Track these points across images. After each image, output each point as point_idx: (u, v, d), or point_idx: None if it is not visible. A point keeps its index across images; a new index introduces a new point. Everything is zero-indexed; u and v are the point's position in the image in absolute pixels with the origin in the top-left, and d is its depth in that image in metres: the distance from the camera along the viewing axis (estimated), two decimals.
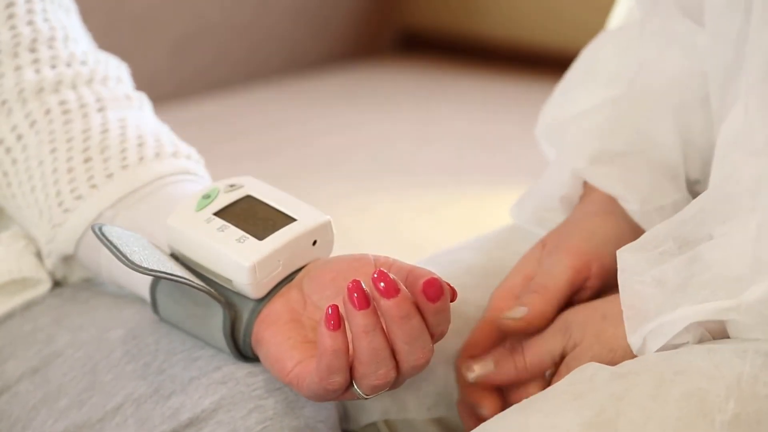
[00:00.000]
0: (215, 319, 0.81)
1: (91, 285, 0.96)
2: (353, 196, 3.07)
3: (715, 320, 0.75)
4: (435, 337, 0.74)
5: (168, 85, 3.78)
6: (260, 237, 0.80)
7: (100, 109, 0.94)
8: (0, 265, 0.92)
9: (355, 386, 0.74)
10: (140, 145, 0.92)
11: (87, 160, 0.91)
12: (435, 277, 0.72)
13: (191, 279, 0.79)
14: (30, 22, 0.94)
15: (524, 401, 0.75)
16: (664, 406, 0.70)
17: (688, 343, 0.76)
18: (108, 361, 0.85)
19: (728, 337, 0.76)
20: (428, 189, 3.16)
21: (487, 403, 0.83)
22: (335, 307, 0.72)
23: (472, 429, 0.86)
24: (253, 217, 0.81)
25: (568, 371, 0.80)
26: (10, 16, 0.93)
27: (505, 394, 0.86)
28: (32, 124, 0.93)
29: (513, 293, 0.86)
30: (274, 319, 0.78)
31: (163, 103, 3.02)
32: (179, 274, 0.79)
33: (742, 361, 0.73)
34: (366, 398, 0.75)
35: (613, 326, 0.80)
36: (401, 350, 0.73)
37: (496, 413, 0.81)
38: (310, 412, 0.80)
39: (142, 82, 1.04)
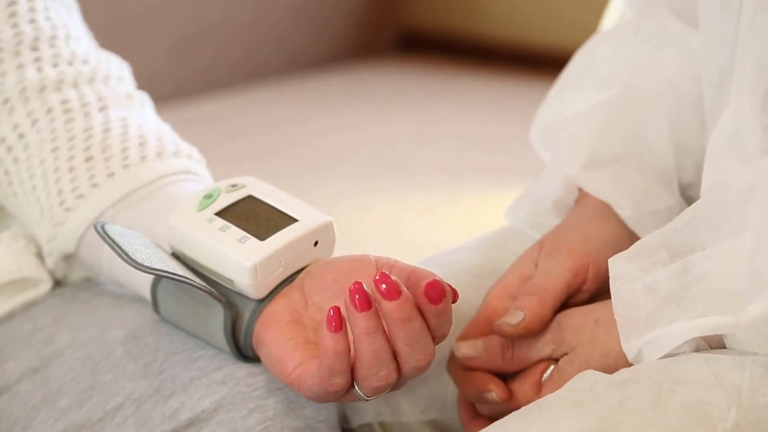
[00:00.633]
0: (216, 319, 0.81)
1: (92, 285, 0.96)
2: (353, 196, 3.07)
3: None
4: (436, 338, 0.74)
5: (168, 85, 3.78)
6: (262, 237, 0.79)
7: (102, 108, 0.94)
8: (0, 265, 0.92)
9: (357, 388, 0.74)
10: (142, 144, 0.92)
11: (88, 159, 0.91)
12: (437, 278, 0.72)
13: (192, 278, 0.79)
14: (32, 21, 0.94)
15: (523, 409, 0.75)
16: (664, 415, 0.70)
17: (685, 352, 0.76)
18: (108, 361, 0.85)
19: (725, 347, 0.76)
20: (428, 189, 3.16)
21: (494, 387, 0.83)
22: (337, 309, 0.72)
23: (471, 430, 0.86)
24: (254, 217, 0.81)
25: (561, 376, 0.80)
26: (12, 15, 0.93)
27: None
28: (34, 122, 0.93)
29: (508, 293, 0.86)
30: (276, 320, 0.78)
31: (163, 103, 3.02)
32: (181, 273, 0.79)
33: (741, 371, 0.73)
34: (367, 400, 0.75)
35: (606, 331, 0.79)
36: (403, 352, 0.73)
37: (504, 399, 0.81)
38: (310, 413, 0.80)
39: (142, 82, 1.04)
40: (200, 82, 3.97)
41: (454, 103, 4.03)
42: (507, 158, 3.41)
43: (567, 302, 0.85)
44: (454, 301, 0.74)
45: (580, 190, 0.92)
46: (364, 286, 0.71)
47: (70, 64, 0.95)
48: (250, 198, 0.83)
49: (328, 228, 0.82)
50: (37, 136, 0.93)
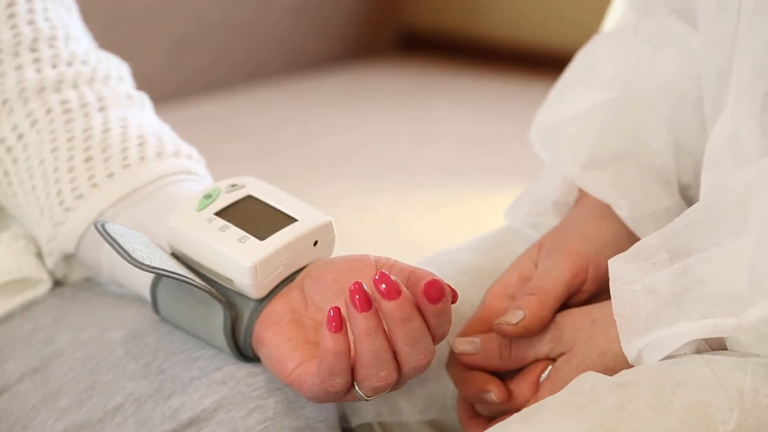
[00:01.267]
0: (216, 319, 0.81)
1: (92, 285, 0.96)
2: (353, 196, 3.07)
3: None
4: (436, 338, 0.74)
5: (168, 85, 3.78)
6: (261, 237, 0.79)
7: (102, 109, 0.94)
8: (0, 265, 0.92)
9: (357, 388, 0.74)
10: (141, 144, 0.92)
11: (88, 160, 0.91)
12: (436, 278, 0.72)
13: (192, 278, 0.79)
14: (31, 21, 0.94)
15: (524, 411, 0.75)
16: (666, 417, 0.70)
17: (685, 354, 0.76)
18: (108, 361, 0.85)
19: (726, 349, 0.76)
20: (428, 189, 3.16)
21: (493, 387, 0.83)
22: (337, 309, 0.72)
23: (470, 430, 0.86)
24: (254, 217, 0.81)
25: (559, 376, 0.80)
26: (11, 16, 0.93)
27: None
28: (33, 123, 0.93)
29: (507, 292, 0.86)
30: (275, 320, 0.78)
31: (163, 103, 3.01)
32: (181, 272, 0.79)
33: (743, 373, 0.73)
34: (367, 400, 0.75)
35: (603, 331, 0.79)
36: (403, 352, 0.73)
37: (503, 399, 0.81)
38: (310, 412, 0.80)
39: (142, 82, 1.04)
40: (200, 82, 3.97)
41: (454, 103, 4.03)
42: (507, 158, 3.41)
43: (566, 302, 0.85)
44: (453, 301, 0.74)
45: (580, 190, 0.92)
46: (365, 287, 0.71)
47: (69, 64, 0.95)
48: (249, 198, 0.83)
49: (327, 228, 0.82)
50: (37, 136, 0.93)
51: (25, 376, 0.88)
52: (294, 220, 0.81)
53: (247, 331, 0.79)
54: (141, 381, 0.83)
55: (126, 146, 0.92)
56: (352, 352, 0.73)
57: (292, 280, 0.81)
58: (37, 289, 0.94)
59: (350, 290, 0.71)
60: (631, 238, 0.86)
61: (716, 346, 0.76)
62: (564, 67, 1.03)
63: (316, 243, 0.81)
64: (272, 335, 0.77)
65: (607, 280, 0.79)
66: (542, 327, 0.82)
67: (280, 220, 0.81)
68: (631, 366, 0.77)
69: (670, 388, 0.72)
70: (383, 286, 0.71)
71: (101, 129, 0.93)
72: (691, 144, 0.93)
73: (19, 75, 0.93)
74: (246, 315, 0.79)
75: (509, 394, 0.82)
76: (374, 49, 4.60)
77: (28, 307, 0.93)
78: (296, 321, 0.78)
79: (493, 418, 0.84)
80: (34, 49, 0.94)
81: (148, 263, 0.77)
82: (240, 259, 0.78)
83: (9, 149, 0.93)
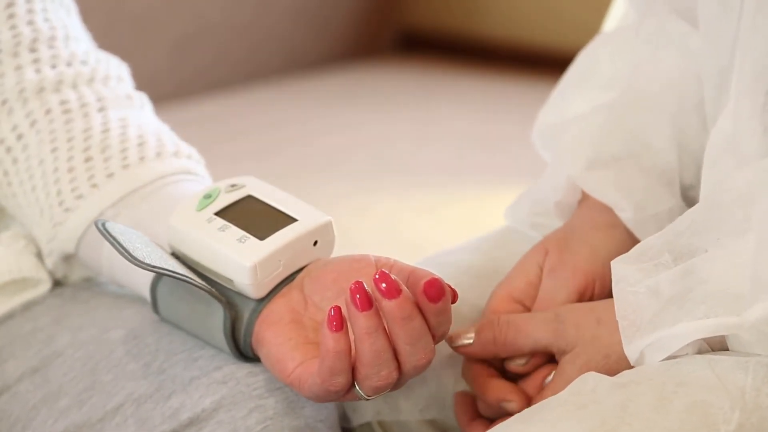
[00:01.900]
0: (216, 319, 0.81)
1: (92, 285, 0.96)
2: (353, 196, 3.07)
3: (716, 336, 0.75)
4: (436, 337, 0.74)
5: (168, 85, 3.78)
6: (261, 237, 0.79)
7: (101, 109, 0.94)
8: (0, 265, 0.92)
9: (357, 387, 0.74)
10: (141, 144, 0.92)
11: (88, 160, 0.91)
12: (436, 277, 0.72)
13: (193, 277, 0.79)
14: (30, 22, 0.94)
15: (525, 411, 0.75)
16: (667, 417, 0.70)
17: (687, 354, 0.76)
18: (108, 361, 0.85)
19: (727, 349, 0.76)
20: (428, 189, 3.16)
21: (514, 397, 0.82)
22: (338, 309, 0.72)
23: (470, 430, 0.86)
24: (254, 217, 0.81)
25: (562, 377, 0.80)
26: (11, 16, 0.93)
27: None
28: (33, 123, 0.93)
29: (513, 296, 0.86)
30: (275, 320, 0.78)
31: (163, 103, 3.02)
32: (181, 272, 0.79)
33: (744, 373, 0.72)
34: (368, 399, 0.75)
35: (608, 332, 0.79)
36: (403, 351, 0.73)
37: (522, 408, 0.81)
38: (310, 412, 0.80)
39: (142, 82, 1.04)
40: (200, 82, 3.97)
41: (454, 103, 4.03)
42: (507, 158, 3.41)
43: None
44: (453, 301, 0.74)
45: (584, 191, 0.92)
46: (365, 286, 0.71)
47: (68, 64, 0.95)
48: (249, 198, 0.83)
49: (327, 228, 0.82)
50: (36, 136, 0.93)
51: (25, 376, 0.88)
52: (294, 220, 0.81)
53: (247, 331, 0.79)
54: (141, 381, 0.83)
55: (126, 146, 0.92)
56: (353, 351, 0.73)
57: (292, 280, 0.81)
58: (37, 289, 0.94)
59: (351, 289, 0.71)
60: (635, 243, 0.86)
61: (717, 346, 0.76)
62: (564, 67, 1.03)
63: (316, 243, 0.81)
64: (272, 335, 0.77)
65: (612, 288, 0.79)
66: None
67: (280, 220, 0.81)
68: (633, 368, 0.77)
69: (671, 388, 0.72)
70: (383, 285, 0.71)
71: (101, 129, 0.93)
72: (694, 144, 0.93)
73: (18, 75, 0.93)
74: (246, 315, 0.79)
75: (528, 402, 0.82)
76: (374, 49, 4.60)
77: (28, 307, 0.93)
78: (296, 321, 0.78)
79: (493, 420, 0.84)
80: (33, 50, 0.94)
81: (148, 262, 0.77)
82: (240, 259, 0.78)
83: (8, 149, 0.93)
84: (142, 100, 0.98)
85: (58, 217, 0.91)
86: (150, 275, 0.85)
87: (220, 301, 0.80)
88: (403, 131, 3.72)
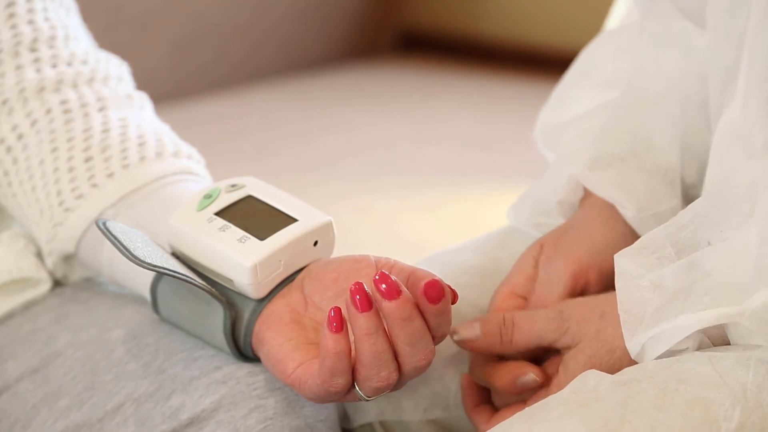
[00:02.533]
0: (216, 319, 0.81)
1: (92, 285, 0.96)
2: (353, 196, 3.07)
3: (717, 325, 0.75)
4: (436, 338, 0.74)
5: (168, 85, 3.78)
6: (261, 237, 0.79)
7: (101, 109, 0.94)
8: (0, 265, 0.92)
9: (357, 388, 0.74)
10: (141, 144, 0.92)
11: (88, 160, 0.91)
12: (436, 278, 0.72)
13: (193, 277, 0.79)
14: (31, 21, 0.94)
15: (527, 410, 0.75)
16: (669, 415, 0.70)
17: (687, 349, 0.76)
18: (108, 361, 0.85)
19: (728, 344, 0.76)
20: (428, 189, 3.16)
21: (531, 369, 0.82)
22: (338, 310, 0.72)
23: (476, 417, 0.85)
24: (254, 217, 0.81)
25: (566, 373, 0.80)
26: (11, 16, 0.93)
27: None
28: (33, 123, 0.93)
29: (515, 292, 0.86)
30: (276, 320, 0.78)
31: (163, 102, 3.02)
32: (181, 271, 0.79)
33: (745, 370, 0.73)
34: (368, 400, 0.75)
35: (613, 326, 0.79)
36: (403, 352, 0.73)
37: (543, 380, 0.81)
38: (310, 412, 0.80)
39: (142, 82, 1.04)
40: (200, 82, 3.96)
41: (454, 103, 4.03)
42: (507, 158, 3.41)
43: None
44: (453, 302, 0.74)
45: (585, 189, 0.92)
46: (365, 287, 0.71)
47: (69, 64, 0.95)
48: (249, 198, 0.83)
49: (327, 228, 0.82)
50: (37, 136, 0.93)
51: (25, 376, 0.88)
52: (294, 220, 0.81)
53: (247, 331, 0.79)
54: (141, 381, 0.83)
55: (126, 146, 0.92)
56: (353, 352, 0.73)
57: (292, 280, 0.81)
58: (37, 289, 0.94)
59: (351, 290, 0.71)
60: (636, 238, 0.86)
61: (719, 340, 0.76)
62: (564, 67, 1.02)
63: (316, 243, 0.81)
64: (272, 335, 0.77)
65: (613, 279, 0.79)
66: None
67: (280, 220, 0.81)
68: (636, 363, 0.77)
69: (672, 386, 0.72)
70: (383, 286, 0.71)
71: (101, 129, 0.93)
72: (696, 143, 0.93)
73: (18, 75, 0.93)
74: (246, 315, 0.79)
75: (546, 375, 0.82)
76: (374, 49, 4.60)
77: (28, 307, 0.93)
78: (296, 321, 0.78)
79: (499, 409, 0.84)
80: (33, 49, 0.94)
81: (149, 261, 0.77)
82: (240, 259, 0.78)
83: (9, 149, 0.93)
84: (143, 99, 0.98)
85: (58, 217, 0.91)
86: (150, 275, 0.85)
87: (220, 301, 0.80)
88: (403, 131, 3.72)
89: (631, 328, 0.77)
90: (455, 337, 0.83)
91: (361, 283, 0.71)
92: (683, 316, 0.74)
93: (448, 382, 0.90)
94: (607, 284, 0.84)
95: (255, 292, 0.79)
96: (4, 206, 0.97)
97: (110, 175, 0.90)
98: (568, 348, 0.81)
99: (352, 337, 0.73)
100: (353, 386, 0.74)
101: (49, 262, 0.93)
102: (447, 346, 0.88)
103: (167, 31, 3.85)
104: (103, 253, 0.90)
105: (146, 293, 0.86)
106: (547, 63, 4.16)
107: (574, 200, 0.93)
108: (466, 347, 0.84)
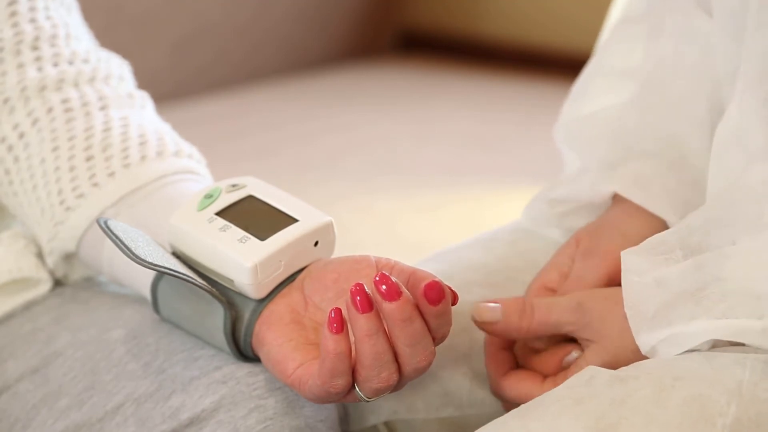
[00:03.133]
0: (216, 319, 0.81)
1: (92, 285, 0.96)
2: (353, 196, 3.07)
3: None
4: (437, 339, 0.74)
5: (168, 85, 3.78)
6: (262, 237, 0.79)
7: (103, 108, 0.94)
8: (0, 265, 0.92)
9: (357, 389, 0.74)
10: (142, 143, 0.92)
11: (89, 159, 0.91)
12: (436, 280, 0.72)
13: (194, 277, 0.79)
14: (32, 20, 0.94)
15: (523, 407, 0.75)
16: (665, 411, 0.70)
17: (699, 351, 0.76)
18: (108, 361, 0.85)
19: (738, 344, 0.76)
20: (428, 189, 3.16)
21: (573, 347, 0.83)
22: (338, 310, 0.72)
23: (502, 387, 0.85)
24: (254, 217, 0.81)
25: (588, 366, 0.80)
26: (13, 14, 0.93)
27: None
28: (34, 122, 0.93)
29: (547, 287, 0.87)
30: (276, 320, 0.78)
31: (163, 102, 3.01)
32: (182, 271, 0.79)
33: (742, 368, 0.73)
34: (368, 401, 0.75)
35: None
36: (403, 353, 0.73)
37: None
38: (310, 412, 0.80)
39: (142, 82, 1.04)
40: (200, 82, 3.96)
41: (454, 103, 4.03)
42: (507, 158, 3.41)
43: None
44: (453, 303, 0.74)
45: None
46: (366, 288, 0.71)
47: (70, 63, 0.95)
48: (250, 198, 0.83)
49: (328, 228, 0.82)
50: (38, 135, 0.93)
51: (25, 376, 0.88)
52: (295, 220, 0.81)
53: (247, 331, 0.79)
54: (141, 381, 0.83)
55: (127, 145, 0.92)
56: (353, 353, 0.73)
57: (293, 280, 0.81)
58: (37, 289, 0.94)
59: (351, 291, 0.71)
60: None
61: (722, 342, 0.76)
62: (565, 67, 1.03)
63: (316, 243, 0.81)
64: (273, 336, 0.77)
65: None
66: None
67: (280, 220, 0.81)
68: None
69: (668, 382, 0.72)
70: (384, 287, 0.71)
71: (102, 128, 0.93)
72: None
73: (20, 73, 0.93)
74: (246, 315, 0.79)
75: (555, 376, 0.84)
76: (374, 49, 4.60)
77: (28, 307, 0.93)
78: (297, 321, 0.78)
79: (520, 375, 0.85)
80: (35, 48, 0.94)
81: (150, 260, 0.77)
82: (241, 259, 0.78)
83: (10, 148, 0.94)
84: (144, 98, 0.98)
85: (59, 216, 0.91)
86: (151, 275, 0.85)
87: (220, 301, 0.80)
88: (403, 131, 3.72)
89: (635, 324, 0.77)
90: (478, 318, 0.83)
91: (362, 284, 0.71)
92: (699, 321, 0.74)
93: (459, 380, 0.90)
94: None
95: (255, 292, 0.79)
96: (5, 205, 0.97)
97: (111, 174, 0.90)
98: (589, 342, 0.81)
99: (352, 338, 0.73)
100: (353, 387, 0.74)
101: (50, 261, 0.93)
102: (459, 343, 0.88)
103: (167, 31, 3.85)
104: (103, 252, 0.90)
105: (147, 293, 0.86)
106: (547, 63, 4.16)
107: (598, 200, 0.92)
108: (484, 329, 0.84)
